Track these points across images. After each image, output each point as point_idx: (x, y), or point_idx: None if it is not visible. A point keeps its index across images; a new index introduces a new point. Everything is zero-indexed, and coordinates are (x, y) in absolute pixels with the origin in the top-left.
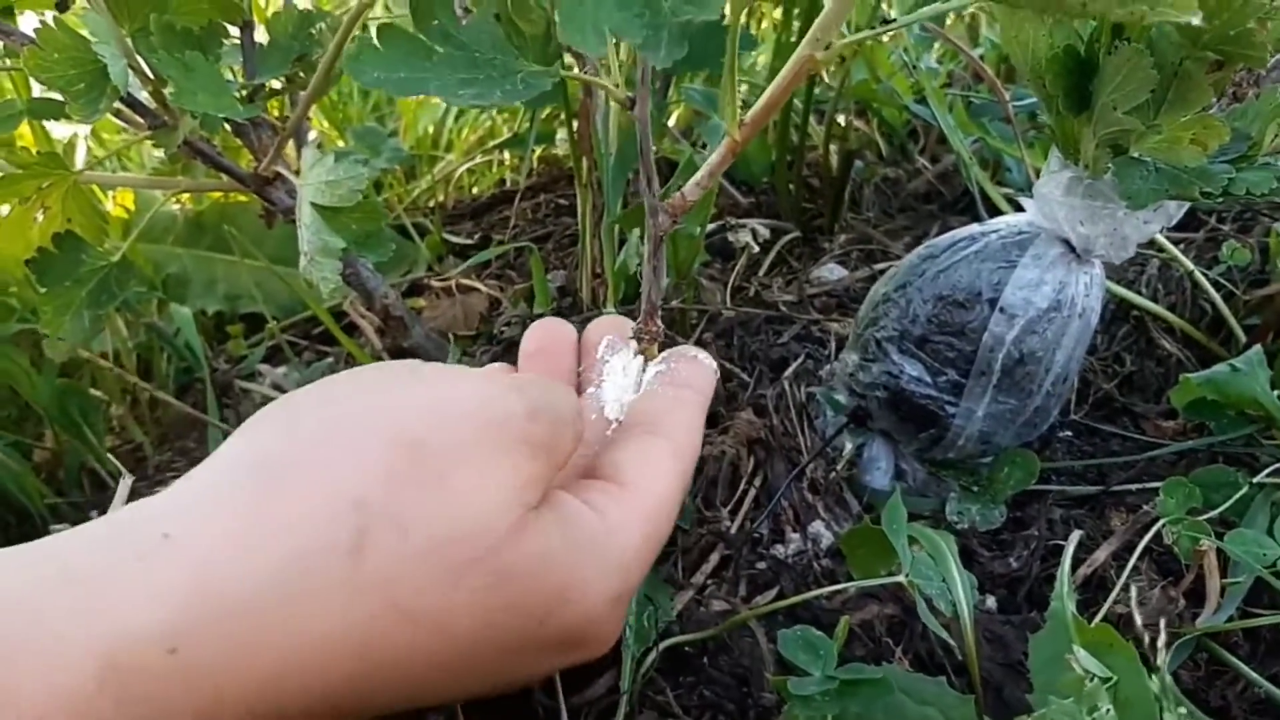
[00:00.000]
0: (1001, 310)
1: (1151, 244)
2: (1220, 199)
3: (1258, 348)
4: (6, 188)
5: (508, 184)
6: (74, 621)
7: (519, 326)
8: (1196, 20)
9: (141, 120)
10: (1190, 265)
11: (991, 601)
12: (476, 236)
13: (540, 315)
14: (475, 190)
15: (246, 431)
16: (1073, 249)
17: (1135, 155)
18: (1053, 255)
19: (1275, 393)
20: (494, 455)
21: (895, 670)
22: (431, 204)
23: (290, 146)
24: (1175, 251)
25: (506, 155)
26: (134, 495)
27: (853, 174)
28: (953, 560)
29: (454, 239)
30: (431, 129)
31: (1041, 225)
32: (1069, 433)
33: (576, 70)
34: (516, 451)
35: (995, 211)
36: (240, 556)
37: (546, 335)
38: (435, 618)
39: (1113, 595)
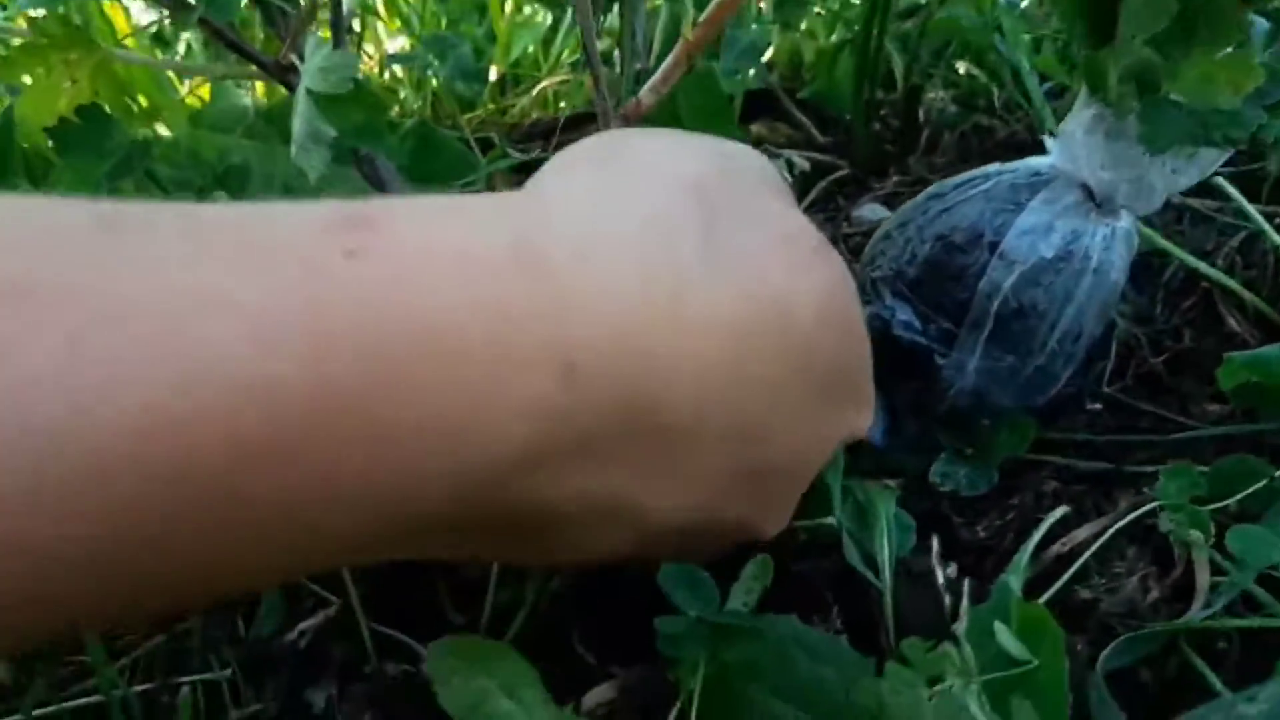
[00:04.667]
0: (1001, 256)
1: (1240, 214)
2: (1244, 146)
3: None
4: (31, 56)
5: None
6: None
7: None
8: None
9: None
10: (1279, 239)
11: (952, 569)
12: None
13: None
14: (562, 106)
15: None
16: (1093, 197)
17: (1167, 96)
18: (1068, 201)
19: None
20: (786, 195)
21: (794, 624)
22: (511, 124)
23: None
24: (1262, 223)
25: None
26: None
27: (936, 118)
28: (884, 511)
29: (523, 157)
30: (532, 48)
31: (1061, 168)
32: (1098, 405)
33: None
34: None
35: None
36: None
37: None
38: (783, 296)
39: (1068, 575)
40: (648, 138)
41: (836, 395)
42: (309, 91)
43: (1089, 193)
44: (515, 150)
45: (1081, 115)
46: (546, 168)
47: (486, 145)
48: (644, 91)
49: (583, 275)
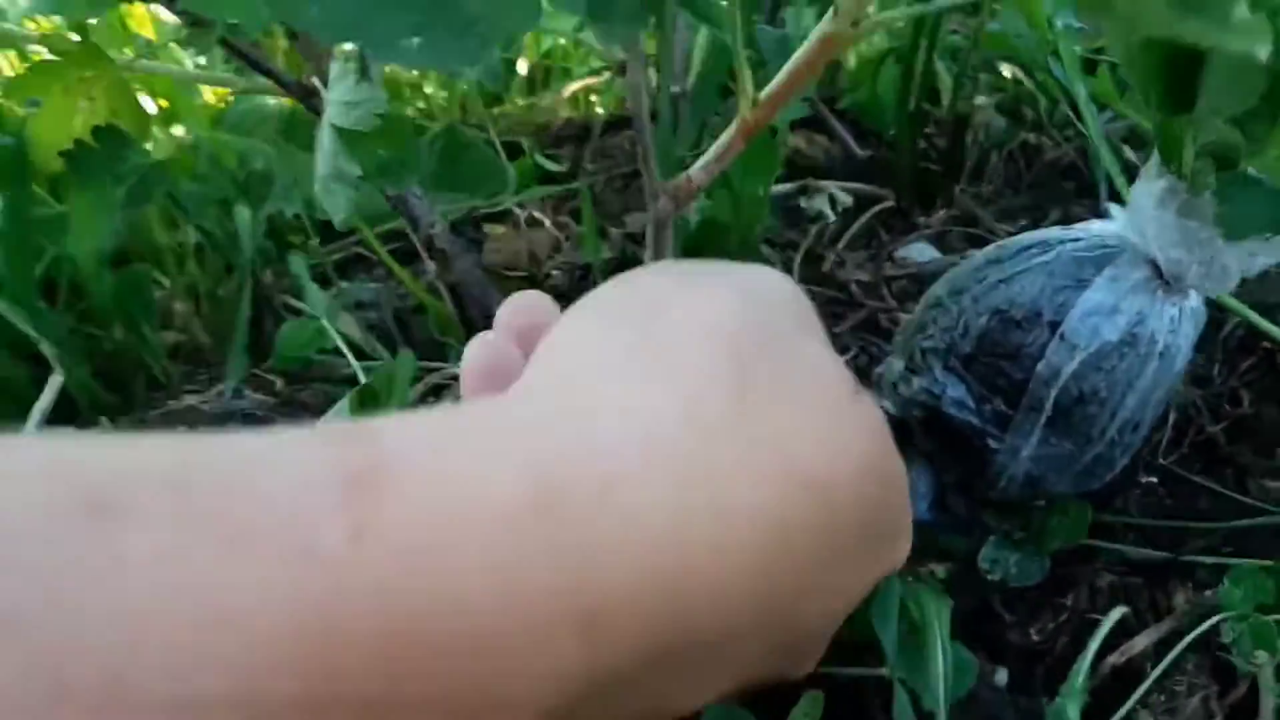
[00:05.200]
0: (1062, 337)
1: None
2: None
3: None
4: (46, 76)
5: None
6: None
7: (567, 275)
8: (1263, 53)
9: (177, 17)
10: None
11: (1002, 675)
12: (580, 165)
13: (589, 264)
14: (599, 109)
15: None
16: (1161, 274)
17: (1247, 172)
18: (1135, 279)
19: None
20: (817, 333)
21: None
22: (540, 125)
23: None
24: None
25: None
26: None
27: (983, 137)
28: (939, 641)
29: (553, 166)
30: (564, 42)
31: (1129, 241)
32: (1153, 479)
33: None
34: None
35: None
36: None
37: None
38: (821, 477)
39: (1134, 699)
40: (669, 285)
41: (874, 544)
42: (333, 127)
43: (1157, 269)
44: (545, 157)
45: (1152, 186)
46: (559, 339)
47: (514, 149)
48: (695, 170)
49: (608, 513)
